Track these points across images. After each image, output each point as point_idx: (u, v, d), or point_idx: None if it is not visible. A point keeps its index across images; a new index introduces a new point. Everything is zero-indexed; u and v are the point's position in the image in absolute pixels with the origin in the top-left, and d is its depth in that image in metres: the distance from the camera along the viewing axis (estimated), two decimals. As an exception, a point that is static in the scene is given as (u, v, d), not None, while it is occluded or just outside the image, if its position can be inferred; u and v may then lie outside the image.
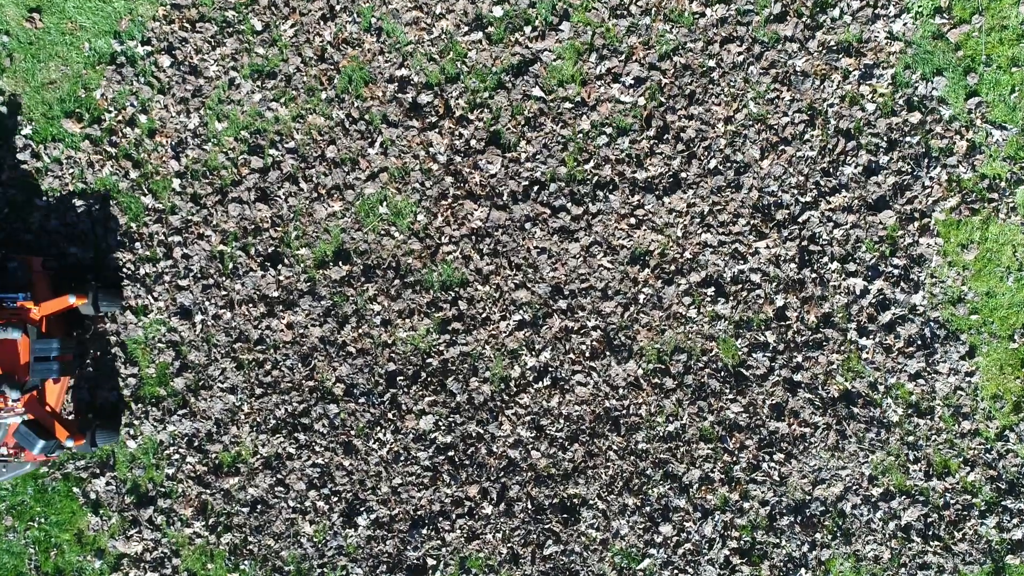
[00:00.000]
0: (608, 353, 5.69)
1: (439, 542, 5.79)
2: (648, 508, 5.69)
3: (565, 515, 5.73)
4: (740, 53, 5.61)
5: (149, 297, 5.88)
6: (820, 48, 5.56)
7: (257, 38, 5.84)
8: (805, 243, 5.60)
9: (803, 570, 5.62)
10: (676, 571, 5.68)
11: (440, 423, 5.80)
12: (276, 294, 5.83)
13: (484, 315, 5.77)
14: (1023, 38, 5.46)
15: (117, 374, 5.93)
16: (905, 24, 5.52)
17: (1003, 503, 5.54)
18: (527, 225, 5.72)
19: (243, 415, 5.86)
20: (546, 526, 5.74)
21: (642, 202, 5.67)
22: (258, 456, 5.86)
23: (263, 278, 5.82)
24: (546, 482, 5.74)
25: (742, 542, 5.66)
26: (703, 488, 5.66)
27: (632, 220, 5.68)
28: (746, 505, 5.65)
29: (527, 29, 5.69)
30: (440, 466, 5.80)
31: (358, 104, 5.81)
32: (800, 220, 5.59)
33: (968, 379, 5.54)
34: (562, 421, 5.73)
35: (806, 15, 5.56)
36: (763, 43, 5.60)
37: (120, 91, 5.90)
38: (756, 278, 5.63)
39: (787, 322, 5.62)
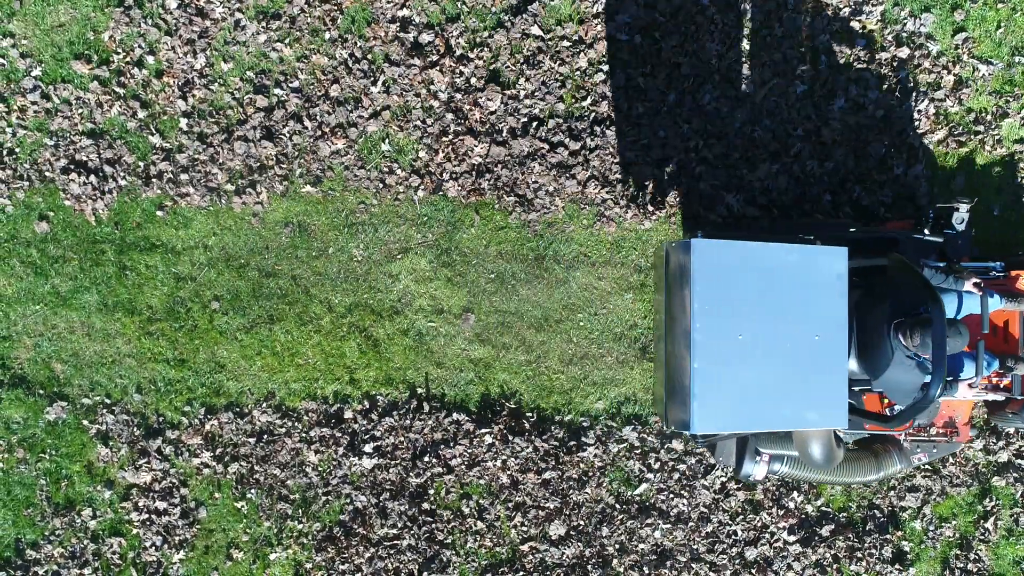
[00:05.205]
0: (605, 285, 5.83)
1: (441, 469, 5.93)
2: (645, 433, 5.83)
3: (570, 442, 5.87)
4: (733, -9, 5.75)
5: None
6: (811, -14, 5.71)
7: (262, -20, 5.98)
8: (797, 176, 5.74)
9: (795, 493, 5.77)
10: (671, 495, 5.83)
11: (441, 354, 5.94)
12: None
13: (484, 249, 5.90)
14: (1009, -25, 5.60)
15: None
16: (894, -38, 5.66)
17: (990, 427, 5.69)
18: (526, 160, 5.86)
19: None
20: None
21: (638, 137, 5.81)
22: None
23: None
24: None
25: (736, 467, 5.82)
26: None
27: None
28: (740, 431, 5.79)
29: (526, -31, 5.82)
30: (442, 396, 5.95)
31: (361, 44, 5.94)
32: (792, 154, 5.73)
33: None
34: (560, 351, 5.86)
35: (797, -46, 5.71)
36: (756, -19, 5.75)
37: (128, 33, 6.02)
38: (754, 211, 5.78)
39: (779, 253, 5.76)
